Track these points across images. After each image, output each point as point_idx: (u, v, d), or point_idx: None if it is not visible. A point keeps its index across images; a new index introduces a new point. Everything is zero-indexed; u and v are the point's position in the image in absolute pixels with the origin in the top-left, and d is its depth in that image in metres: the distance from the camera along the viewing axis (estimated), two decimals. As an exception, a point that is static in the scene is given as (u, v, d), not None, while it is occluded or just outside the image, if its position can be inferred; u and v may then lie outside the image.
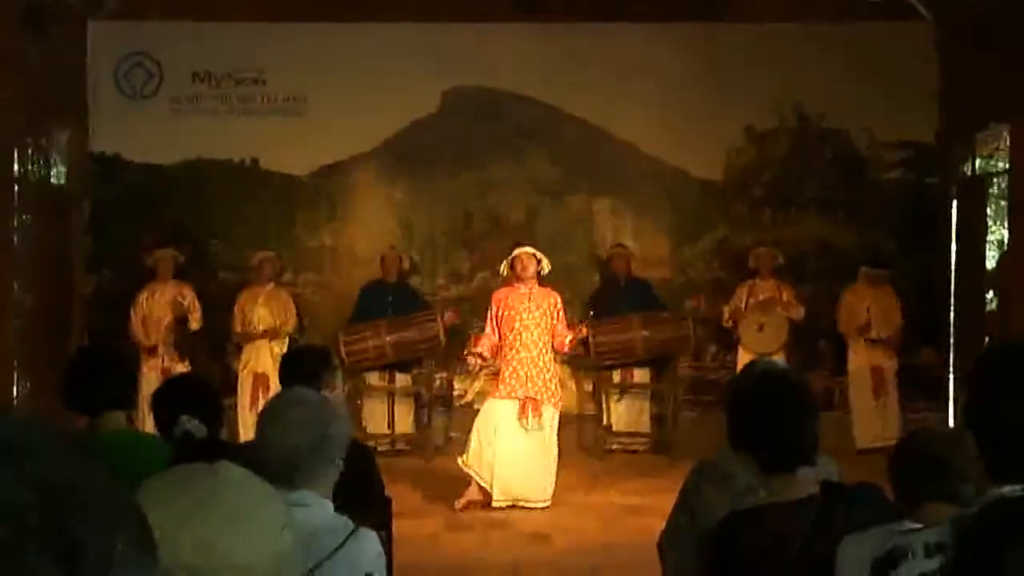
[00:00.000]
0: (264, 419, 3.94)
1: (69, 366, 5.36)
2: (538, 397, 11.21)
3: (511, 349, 11.33)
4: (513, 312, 11.31)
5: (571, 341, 11.68)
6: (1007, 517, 2.36)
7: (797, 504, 3.85)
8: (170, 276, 13.76)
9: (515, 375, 11.26)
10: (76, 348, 13.11)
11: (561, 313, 11.53)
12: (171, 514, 2.01)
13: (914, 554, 3.44)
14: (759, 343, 13.58)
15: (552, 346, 11.52)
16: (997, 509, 2.42)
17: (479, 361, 12.00)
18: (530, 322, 11.29)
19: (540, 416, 11.22)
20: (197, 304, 13.73)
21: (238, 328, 13.77)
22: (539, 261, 11.45)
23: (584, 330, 12.16)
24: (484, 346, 11.58)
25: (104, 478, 1.29)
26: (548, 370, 11.36)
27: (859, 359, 13.92)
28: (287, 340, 13.70)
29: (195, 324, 13.74)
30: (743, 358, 13.23)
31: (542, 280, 11.55)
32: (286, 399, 4.06)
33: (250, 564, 2.07)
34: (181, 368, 13.14)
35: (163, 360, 13.32)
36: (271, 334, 13.68)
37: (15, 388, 11.98)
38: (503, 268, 11.59)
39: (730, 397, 4.21)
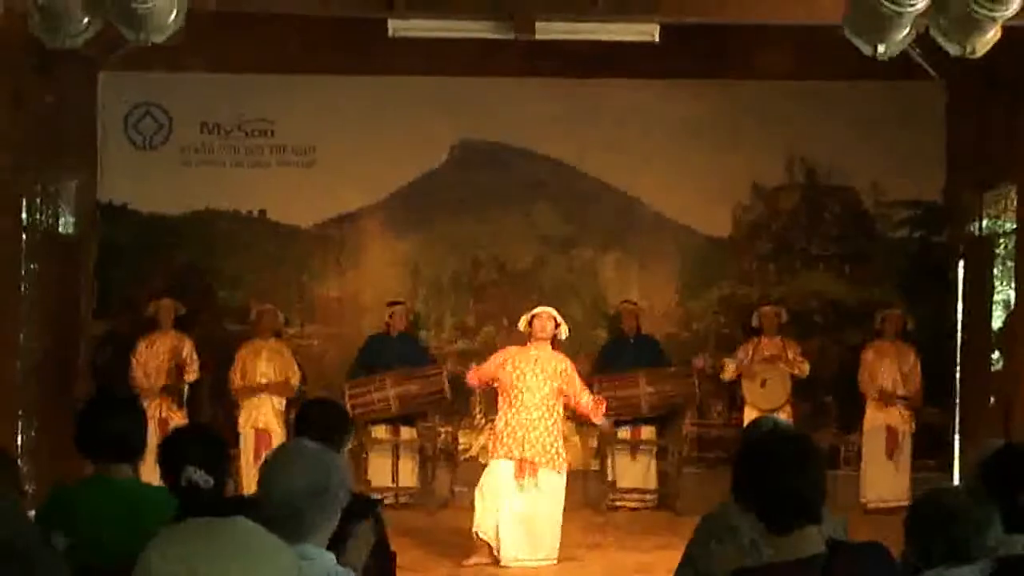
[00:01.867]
0: (267, 470, 3.93)
1: (82, 412, 5.33)
2: (535, 460, 11.16)
3: (511, 408, 11.30)
4: (518, 372, 11.30)
5: (592, 408, 11.63)
6: None
7: (803, 563, 3.83)
8: (170, 326, 13.76)
9: (512, 435, 11.22)
10: (91, 393, 13.12)
11: (573, 379, 11.47)
12: (185, 562, 2.01)
13: None
14: (763, 399, 13.58)
15: (579, 416, 11.58)
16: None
17: (471, 381, 11.98)
18: (533, 384, 11.25)
19: (536, 478, 11.17)
20: (195, 356, 13.73)
21: (238, 382, 13.74)
22: (557, 324, 11.46)
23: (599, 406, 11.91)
24: (476, 374, 11.67)
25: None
26: (550, 434, 11.28)
27: (876, 418, 13.87)
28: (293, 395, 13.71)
29: (191, 376, 13.74)
30: (748, 415, 13.23)
31: (556, 344, 11.55)
32: (289, 451, 4.05)
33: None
34: (178, 418, 13.12)
35: (160, 410, 13.27)
36: (273, 388, 13.64)
37: (19, 433, 11.96)
38: (522, 324, 11.59)
39: (735, 456, 4.19)
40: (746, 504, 4.05)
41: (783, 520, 3.89)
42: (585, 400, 11.49)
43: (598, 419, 11.76)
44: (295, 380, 13.77)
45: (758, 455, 4.04)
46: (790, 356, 13.85)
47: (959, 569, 3.50)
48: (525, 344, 11.50)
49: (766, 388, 13.79)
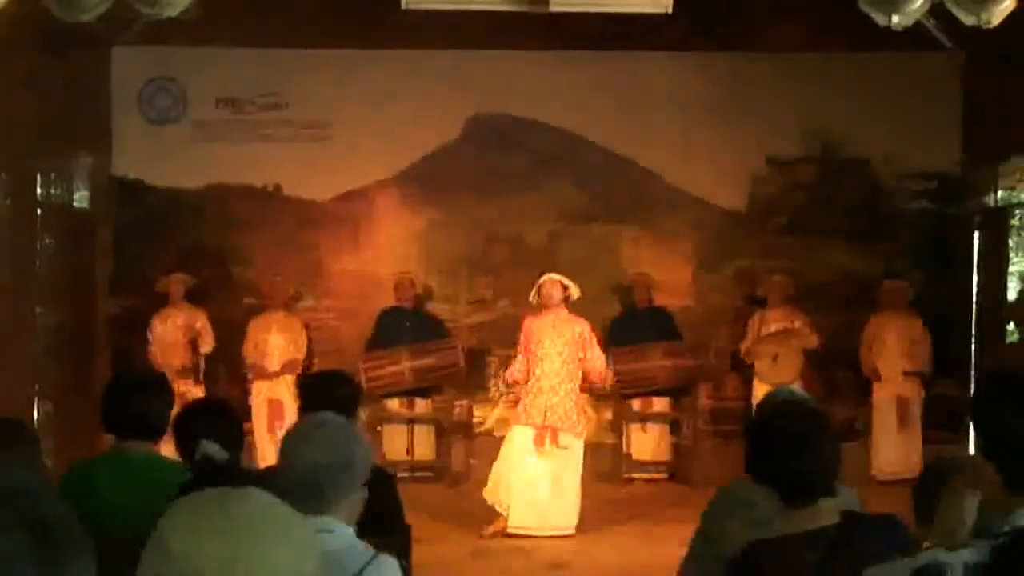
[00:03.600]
0: (289, 442, 3.92)
1: (110, 388, 5.33)
2: (558, 426, 11.17)
3: (533, 376, 11.32)
4: (537, 340, 11.31)
5: (603, 374, 11.70)
6: None
7: (816, 534, 3.84)
8: (181, 300, 13.76)
9: (535, 403, 11.23)
10: (108, 369, 13.15)
11: (591, 342, 11.48)
12: (197, 533, 2.01)
13: (953, 572, 3.38)
14: (774, 374, 13.49)
15: (588, 380, 11.57)
16: None
17: (514, 384, 11.98)
18: (552, 350, 11.26)
19: (557, 444, 11.18)
20: (209, 328, 13.72)
21: (250, 360, 13.75)
22: (565, 288, 11.43)
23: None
24: (517, 371, 11.58)
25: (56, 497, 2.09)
26: (570, 399, 11.31)
27: (885, 388, 13.81)
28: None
29: (205, 348, 13.73)
30: (759, 389, 13.17)
31: (571, 307, 11.53)
32: (311, 423, 4.04)
33: (272, 583, 2.06)
34: (196, 392, 13.12)
35: (178, 385, 13.28)
36: (289, 367, 13.64)
37: (36, 408, 11.99)
38: (532, 297, 11.57)
39: (750, 428, 4.18)
40: (761, 478, 4.05)
41: (799, 492, 3.89)
42: (600, 366, 11.51)
43: (605, 384, 11.79)
44: (300, 356, 13.78)
45: (773, 428, 4.04)
46: (797, 327, 13.77)
47: (956, 553, 3.46)
48: (540, 313, 11.50)
49: (778, 363, 13.73)
